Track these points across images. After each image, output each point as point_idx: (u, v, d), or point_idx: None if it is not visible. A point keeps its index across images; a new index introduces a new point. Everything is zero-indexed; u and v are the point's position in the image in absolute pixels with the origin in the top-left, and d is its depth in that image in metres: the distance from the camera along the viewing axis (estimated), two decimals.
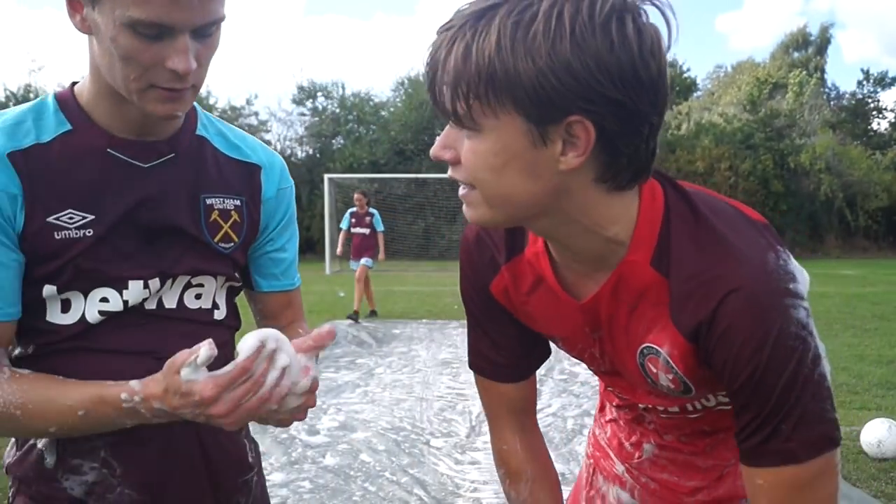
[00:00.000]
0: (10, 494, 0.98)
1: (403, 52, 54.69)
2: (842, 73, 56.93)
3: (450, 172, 0.79)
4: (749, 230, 0.81)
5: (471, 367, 1.05)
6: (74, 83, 0.98)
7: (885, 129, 29.86)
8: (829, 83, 32.52)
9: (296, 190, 1.16)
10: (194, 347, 0.84)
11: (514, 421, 1.06)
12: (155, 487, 0.97)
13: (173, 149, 0.98)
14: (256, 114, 26.23)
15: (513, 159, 0.74)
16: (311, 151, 25.90)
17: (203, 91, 26.71)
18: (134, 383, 0.87)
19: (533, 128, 0.71)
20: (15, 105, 0.95)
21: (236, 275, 1.07)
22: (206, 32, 0.87)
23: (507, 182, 0.75)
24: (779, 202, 24.06)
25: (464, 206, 0.81)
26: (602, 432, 1.20)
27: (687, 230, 0.81)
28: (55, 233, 0.89)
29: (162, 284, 0.96)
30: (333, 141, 25.05)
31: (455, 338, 7.50)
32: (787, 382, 0.76)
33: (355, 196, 9.27)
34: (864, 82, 31.26)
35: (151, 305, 0.97)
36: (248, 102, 26.08)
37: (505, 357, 1.01)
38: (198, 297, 1.01)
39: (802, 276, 0.81)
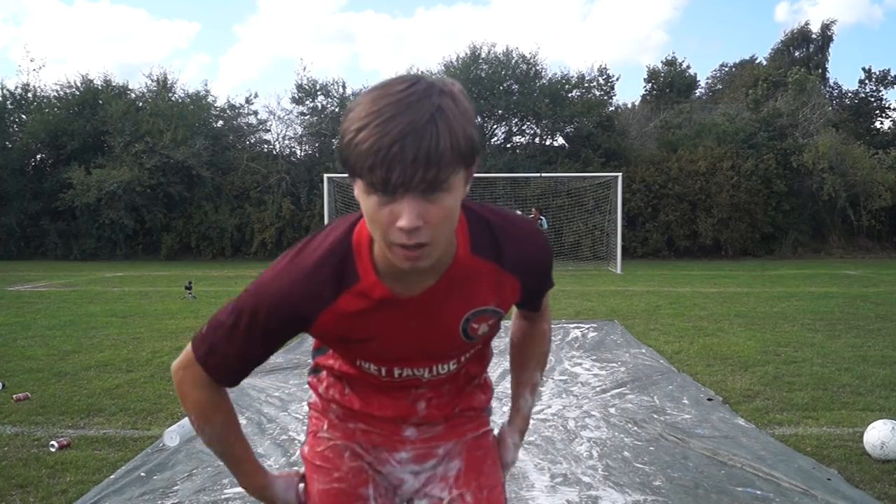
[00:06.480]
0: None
1: (405, 52, 54.70)
2: (849, 73, 56.65)
3: (416, 239, 0.99)
4: (510, 212, 1.28)
5: (216, 370, 1.25)
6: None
7: (889, 128, 29.75)
8: (831, 82, 32.49)
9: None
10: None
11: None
12: None
13: None
14: (256, 113, 26.11)
15: (459, 202, 1.04)
16: (310, 151, 25.80)
17: (201, 90, 26.31)
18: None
19: (464, 172, 1.02)
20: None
21: None
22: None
23: (453, 223, 1.06)
24: (781, 202, 23.98)
25: (414, 263, 1.03)
26: (354, 439, 1.43)
27: (481, 225, 1.21)
28: None
29: None
30: (333, 140, 24.94)
31: None
32: (550, 269, 1.36)
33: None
34: (867, 81, 31.21)
35: None
36: (248, 101, 25.99)
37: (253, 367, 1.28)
38: None
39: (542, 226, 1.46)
